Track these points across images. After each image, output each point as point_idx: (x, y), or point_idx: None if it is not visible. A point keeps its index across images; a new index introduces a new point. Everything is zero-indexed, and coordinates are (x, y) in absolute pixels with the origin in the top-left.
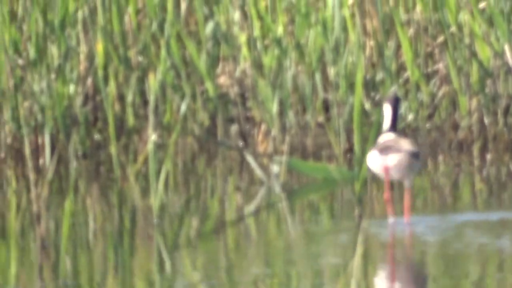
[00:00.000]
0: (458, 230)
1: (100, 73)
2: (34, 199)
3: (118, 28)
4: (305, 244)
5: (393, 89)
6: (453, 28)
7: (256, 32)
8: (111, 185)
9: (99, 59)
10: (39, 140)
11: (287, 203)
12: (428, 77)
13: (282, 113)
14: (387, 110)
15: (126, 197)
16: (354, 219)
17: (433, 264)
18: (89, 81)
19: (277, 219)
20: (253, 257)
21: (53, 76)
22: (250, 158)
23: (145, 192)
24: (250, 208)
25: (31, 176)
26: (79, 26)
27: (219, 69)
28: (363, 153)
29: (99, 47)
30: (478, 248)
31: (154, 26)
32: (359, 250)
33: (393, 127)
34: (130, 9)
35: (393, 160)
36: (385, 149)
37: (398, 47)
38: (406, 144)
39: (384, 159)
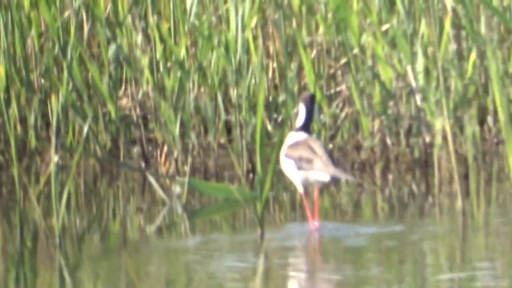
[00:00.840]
0: (358, 240)
1: (2, 95)
2: None
3: (21, 51)
4: (205, 263)
5: (307, 91)
6: (356, 50)
7: (159, 54)
8: (13, 206)
9: (1, 82)
10: None
11: (188, 223)
12: (330, 98)
13: (184, 134)
14: (302, 109)
15: (28, 218)
16: (256, 239)
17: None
18: None
19: (178, 239)
20: (153, 277)
21: None
22: (152, 179)
23: (47, 213)
24: (151, 228)
25: None
26: None
27: (121, 92)
28: (265, 174)
29: (1, 70)
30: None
31: (57, 49)
32: (260, 268)
33: (306, 127)
34: (33, 32)
35: (316, 177)
36: (304, 163)
37: (301, 68)
38: (326, 164)
39: (306, 175)
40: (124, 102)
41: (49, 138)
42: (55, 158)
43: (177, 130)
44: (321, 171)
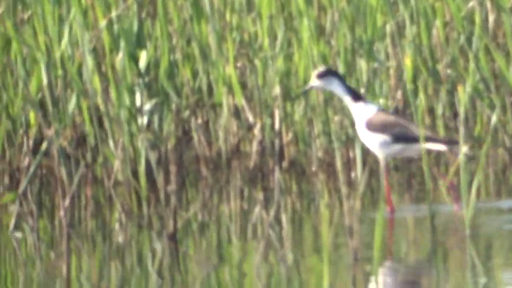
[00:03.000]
0: None
1: (410, 86)
2: (347, 212)
3: (427, 41)
4: None
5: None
6: None
7: None
8: (423, 197)
9: (408, 73)
10: (350, 154)
11: None
12: None
13: None
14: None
15: (439, 209)
16: None
17: None
18: (399, 94)
19: None
20: None
21: (362, 90)
22: None
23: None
24: None
25: (343, 189)
26: (388, 40)
27: None
28: None
29: (408, 61)
30: None
31: (462, 39)
32: None
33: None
34: (438, 23)
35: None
36: None
37: None
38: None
39: None
40: None
41: (457, 128)
42: (464, 149)
43: None
44: None
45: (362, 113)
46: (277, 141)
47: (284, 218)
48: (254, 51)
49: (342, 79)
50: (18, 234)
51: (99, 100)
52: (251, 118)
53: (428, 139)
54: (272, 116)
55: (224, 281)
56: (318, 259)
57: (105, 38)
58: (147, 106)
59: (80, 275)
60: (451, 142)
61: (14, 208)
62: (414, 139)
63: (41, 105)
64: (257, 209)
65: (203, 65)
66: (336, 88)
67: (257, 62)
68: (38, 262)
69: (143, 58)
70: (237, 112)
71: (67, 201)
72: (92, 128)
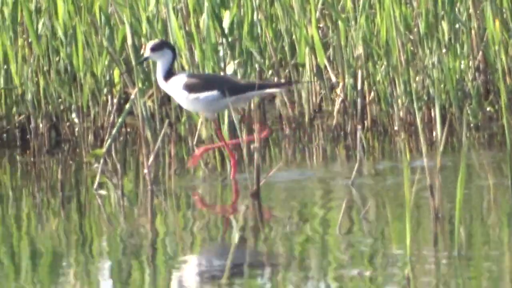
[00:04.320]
0: None
1: (494, 48)
2: (427, 171)
3: (508, 2)
4: None
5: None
6: None
7: None
8: (503, 157)
9: (497, 36)
10: (432, 113)
11: None
12: None
13: None
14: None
15: None
16: None
17: None
18: (480, 55)
19: None
20: None
21: (444, 50)
22: None
23: None
24: None
25: (424, 148)
26: (469, 2)
27: None
28: None
29: (497, 24)
30: None
31: None
32: None
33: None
34: None
35: None
36: None
37: None
38: None
39: None
40: None
41: None
42: None
43: None
44: None
45: (176, 83)
46: (359, 101)
47: (366, 177)
48: (336, 12)
49: (174, 54)
50: (102, 192)
51: (184, 60)
52: (333, 78)
53: (262, 86)
54: (354, 76)
55: (306, 240)
56: (400, 217)
57: None
58: (231, 66)
59: (164, 233)
60: (283, 84)
61: (98, 166)
62: (247, 89)
63: (126, 64)
64: (339, 168)
65: (286, 25)
66: (164, 62)
67: (339, 23)
68: (122, 219)
69: (227, 18)
70: (319, 72)
71: (151, 159)
72: None
